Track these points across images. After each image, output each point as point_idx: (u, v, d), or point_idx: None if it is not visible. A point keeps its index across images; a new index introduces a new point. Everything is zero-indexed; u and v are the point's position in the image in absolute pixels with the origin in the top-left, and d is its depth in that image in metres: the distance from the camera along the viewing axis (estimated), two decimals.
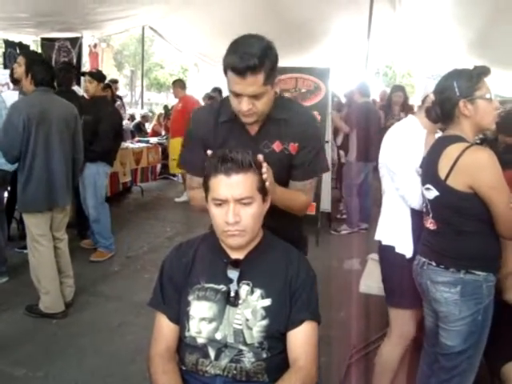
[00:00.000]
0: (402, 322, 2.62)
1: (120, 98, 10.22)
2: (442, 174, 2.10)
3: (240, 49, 1.75)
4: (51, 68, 3.99)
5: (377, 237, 2.66)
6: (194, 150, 2.03)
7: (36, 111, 3.64)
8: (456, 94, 2.10)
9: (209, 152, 1.77)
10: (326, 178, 6.21)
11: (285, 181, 2.01)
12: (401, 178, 2.49)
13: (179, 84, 8.05)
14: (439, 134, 2.50)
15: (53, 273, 3.84)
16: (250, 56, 1.72)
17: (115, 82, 10.23)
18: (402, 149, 2.51)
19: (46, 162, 3.70)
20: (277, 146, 1.99)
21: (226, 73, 1.81)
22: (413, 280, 2.41)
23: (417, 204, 2.43)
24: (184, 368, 1.77)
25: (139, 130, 11.11)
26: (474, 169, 2.03)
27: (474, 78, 2.11)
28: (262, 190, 1.69)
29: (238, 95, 1.82)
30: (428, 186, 2.20)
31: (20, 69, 4.62)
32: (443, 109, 2.16)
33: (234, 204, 1.63)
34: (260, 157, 1.73)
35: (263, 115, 1.92)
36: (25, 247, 4.94)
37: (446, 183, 2.09)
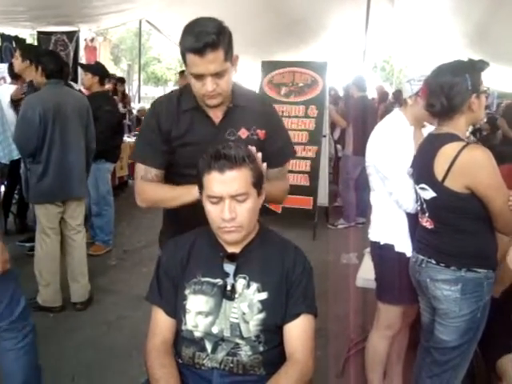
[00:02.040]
0: (391, 316, 2.64)
1: (125, 95, 10.17)
2: (439, 175, 2.07)
3: (195, 29, 1.76)
4: (60, 59, 4.01)
5: (373, 237, 2.62)
6: (155, 143, 1.98)
7: (51, 105, 3.68)
8: (468, 88, 2.07)
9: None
10: (324, 172, 6.22)
11: None
12: (393, 184, 2.45)
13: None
14: (427, 129, 2.48)
15: (55, 266, 3.86)
16: (207, 34, 1.73)
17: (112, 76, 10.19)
18: (392, 151, 2.45)
19: (62, 155, 3.74)
20: (243, 133, 1.99)
21: (184, 58, 1.81)
22: (406, 277, 2.41)
23: (412, 209, 2.41)
24: (181, 361, 1.77)
25: (138, 123, 11.08)
26: (471, 169, 2.01)
27: (479, 71, 2.10)
28: (257, 185, 1.69)
29: (199, 77, 1.81)
30: (423, 185, 2.18)
31: (17, 62, 4.66)
32: (452, 103, 2.09)
33: (230, 200, 1.63)
34: (253, 149, 1.74)
35: (227, 96, 1.93)
36: (25, 241, 4.99)
37: (444, 185, 2.07)
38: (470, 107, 2.10)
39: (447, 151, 2.05)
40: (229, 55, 1.82)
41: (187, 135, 1.96)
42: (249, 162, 1.66)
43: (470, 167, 2.01)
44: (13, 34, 8.34)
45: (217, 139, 1.88)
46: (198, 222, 1.83)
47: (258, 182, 1.70)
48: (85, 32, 9.09)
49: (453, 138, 2.09)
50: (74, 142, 3.81)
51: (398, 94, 7.05)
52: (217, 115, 1.98)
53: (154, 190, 2.00)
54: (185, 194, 1.87)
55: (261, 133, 2.02)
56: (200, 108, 1.95)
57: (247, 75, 9.38)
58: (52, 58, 3.85)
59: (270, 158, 1.90)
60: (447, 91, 2.07)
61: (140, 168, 2.00)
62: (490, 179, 2.01)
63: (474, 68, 2.10)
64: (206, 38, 1.73)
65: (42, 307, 3.82)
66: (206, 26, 1.76)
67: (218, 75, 1.81)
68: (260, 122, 2.01)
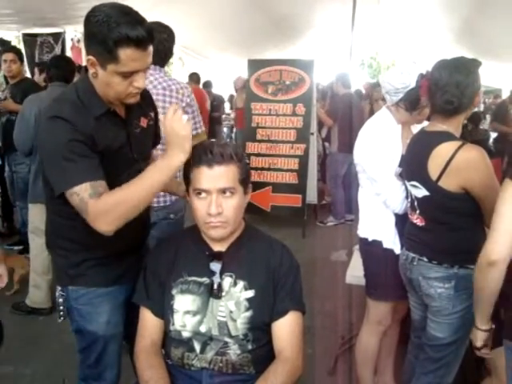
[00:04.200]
0: (380, 312, 2.64)
1: None
2: (433, 174, 2.05)
3: (124, 18, 1.51)
4: (68, 63, 4.00)
5: (361, 233, 2.62)
6: (90, 154, 1.61)
7: (45, 106, 3.65)
8: (478, 86, 2.07)
9: None
10: (312, 169, 6.23)
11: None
12: (381, 186, 2.45)
13: (193, 78, 8.17)
14: (417, 127, 2.47)
15: (44, 267, 3.84)
16: (140, 21, 1.54)
17: None
18: (379, 153, 2.44)
19: None
20: (143, 122, 1.88)
21: (112, 53, 1.52)
22: (395, 274, 2.41)
23: (400, 210, 2.41)
24: (170, 362, 1.77)
25: None
26: (467, 170, 1.99)
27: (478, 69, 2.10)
28: (243, 183, 1.70)
29: (131, 74, 1.59)
30: (415, 183, 2.16)
31: (16, 65, 4.73)
32: (464, 101, 2.05)
33: (217, 195, 1.63)
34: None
35: None
36: (14, 244, 4.98)
37: (438, 184, 2.05)
38: (474, 105, 2.11)
39: (443, 151, 2.03)
40: None
41: (109, 143, 1.70)
42: (236, 160, 1.66)
43: (466, 168, 1.99)
44: None
45: (129, 137, 1.79)
46: (120, 238, 1.62)
47: (244, 180, 1.70)
48: (71, 33, 9.02)
49: (449, 137, 2.06)
50: None
51: None
52: (121, 110, 1.78)
53: (122, 193, 1.58)
54: (158, 175, 1.60)
55: (153, 114, 1.95)
56: (110, 110, 1.72)
57: (233, 74, 9.37)
58: (59, 62, 3.91)
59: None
60: (462, 89, 2.03)
61: (83, 188, 1.54)
62: (485, 180, 2.00)
63: (478, 66, 2.10)
64: (143, 25, 1.53)
65: (31, 309, 3.81)
66: (128, 12, 1.54)
67: (146, 69, 1.64)
68: (149, 107, 1.95)
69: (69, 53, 8.89)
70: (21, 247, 4.94)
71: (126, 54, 1.52)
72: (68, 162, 1.57)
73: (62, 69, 3.85)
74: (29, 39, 8.81)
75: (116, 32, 1.49)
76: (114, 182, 1.61)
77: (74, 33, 9.01)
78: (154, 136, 2.00)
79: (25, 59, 8.53)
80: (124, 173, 1.70)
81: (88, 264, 1.84)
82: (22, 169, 4.80)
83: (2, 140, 4.97)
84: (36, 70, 5.03)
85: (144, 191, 1.59)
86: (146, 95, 1.92)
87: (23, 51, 8.59)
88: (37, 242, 3.78)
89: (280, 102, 6.10)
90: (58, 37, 8.81)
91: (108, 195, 1.56)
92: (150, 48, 1.58)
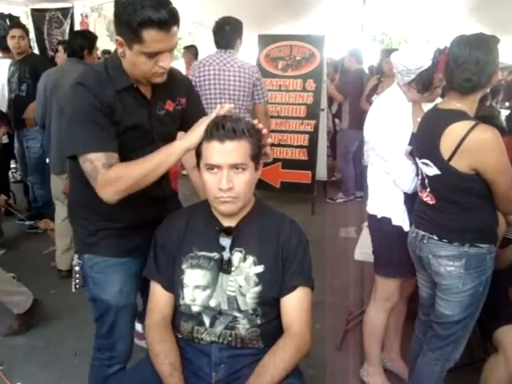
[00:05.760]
0: (388, 289, 2.65)
1: None
2: (445, 154, 2.01)
3: (156, 1, 1.58)
4: (84, 38, 4.04)
5: (370, 210, 2.61)
6: (107, 125, 1.72)
7: (52, 80, 3.90)
8: (497, 64, 2.03)
9: None
10: (322, 146, 6.20)
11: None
12: (391, 164, 2.43)
13: (191, 50, 7.49)
14: (426, 106, 2.44)
15: (64, 231, 4.00)
16: (164, 3, 1.60)
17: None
18: (390, 132, 2.41)
19: (57, 130, 3.87)
20: (169, 106, 1.92)
21: (136, 33, 1.59)
22: (404, 250, 2.41)
23: (409, 189, 2.40)
24: (180, 336, 1.79)
25: None
26: (479, 151, 1.96)
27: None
28: (255, 158, 1.69)
29: (156, 54, 1.65)
30: (426, 161, 2.13)
31: (24, 41, 4.77)
32: (483, 80, 2.01)
33: (228, 170, 1.63)
34: (260, 125, 1.73)
35: None
36: (23, 219, 5.03)
37: (450, 164, 2.02)
38: (493, 83, 2.08)
39: (455, 130, 1.99)
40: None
41: (128, 118, 1.78)
42: (248, 136, 1.65)
43: (478, 149, 1.96)
44: (6, 11, 8.22)
45: (151, 117, 1.85)
46: (134, 211, 1.87)
47: (256, 156, 1.70)
48: (79, 8, 8.95)
49: (463, 116, 2.02)
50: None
51: None
52: (147, 90, 1.85)
53: (122, 175, 1.67)
54: (170, 154, 1.68)
55: (182, 100, 1.97)
56: (134, 86, 1.79)
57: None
58: (72, 39, 4.10)
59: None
60: (482, 67, 1.98)
61: (98, 157, 1.66)
62: (497, 162, 1.98)
63: (497, 43, 2.05)
64: (166, 7, 1.58)
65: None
66: None
67: (171, 50, 1.70)
68: (181, 91, 1.97)
69: (78, 28, 8.85)
70: (31, 222, 4.98)
71: (149, 35, 1.59)
72: (87, 128, 1.68)
73: (74, 44, 3.95)
74: (37, 14, 8.76)
75: (140, 14, 1.55)
76: (127, 157, 1.71)
77: (82, 8, 8.94)
78: (180, 120, 2.01)
79: (33, 35, 8.55)
80: (140, 150, 1.76)
81: (104, 234, 1.95)
82: (34, 144, 4.85)
83: (13, 116, 4.98)
84: (60, 47, 4.98)
85: (148, 170, 1.67)
86: (181, 80, 2.01)
87: (32, 27, 8.58)
88: (59, 207, 4.05)
89: (290, 78, 6.04)
90: (66, 12, 8.75)
91: (116, 168, 1.67)
92: (174, 29, 1.63)
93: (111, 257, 1.95)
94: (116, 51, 1.76)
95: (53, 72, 3.99)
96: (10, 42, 4.85)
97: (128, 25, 1.59)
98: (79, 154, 1.70)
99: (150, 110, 1.85)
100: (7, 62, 5.23)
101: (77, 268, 2.03)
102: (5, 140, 5.16)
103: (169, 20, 1.58)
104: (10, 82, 5.00)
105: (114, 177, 1.66)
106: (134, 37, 1.60)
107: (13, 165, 6.51)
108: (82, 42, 3.94)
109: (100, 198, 1.70)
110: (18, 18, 7.41)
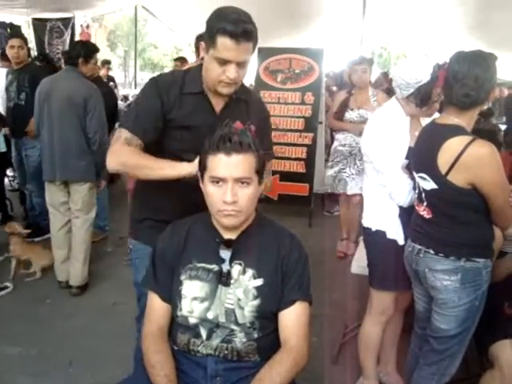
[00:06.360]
0: (383, 302, 2.65)
1: (112, 79, 10.11)
2: (443, 168, 2.03)
3: (232, 16, 1.77)
4: (83, 47, 4.10)
5: (365, 223, 2.62)
6: (154, 118, 1.95)
7: (45, 89, 3.90)
8: (495, 81, 2.06)
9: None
10: (320, 158, 6.22)
11: None
12: (388, 178, 2.44)
13: (181, 62, 7.39)
14: (424, 120, 2.46)
15: (57, 243, 4.04)
16: (244, 22, 1.77)
17: (108, 62, 10.12)
18: (387, 146, 2.42)
19: (49, 138, 3.89)
20: (238, 125, 1.93)
21: (213, 38, 1.79)
22: (399, 264, 2.41)
23: (405, 203, 2.41)
24: (176, 348, 1.78)
25: None
26: (476, 166, 1.98)
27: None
28: (259, 172, 1.70)
29: (224, 63, 1.82)
30: (424, 175, 2.14)
31: (23, 51, 4.80)
32: (481, 96, 2.04)
33: (233, 184, 1.64)
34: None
35: (238, 87, 1.96)
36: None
37: (447, 179, 2.03)
38: (491, 98, 2.12)
39: (453, 145, 2.01)
40: (254, 49, 1.87)
41: (188, 118, 1.96)
42: (254, 149, 1.66)
43: (475, 164, 1.97)
44: (7, 20, 8.25)
45: (214, 128, 1.86)
46: (175, 210, 1.97)
47: (260, 170, 1.71)
48: (80, 18, 9.01)
49: (460, 131, 2.04)
50: (58, 128, 3.86)
51: None
52: (218, 104, 2.00)
53: (131, 154, 1.88)
54: (168, 167, 1.83)
55: (253, 130, 2.01)
56: (204, 93, 1.97)
57: None
58: (71, 48, 4.25)
59: None
60: (481, 83, 2.01)
61: (126, 133, 1.91)
62: (494, 177, 1.99)
63: (495, 60, 2.08)
64: (245, 25, 1.76)
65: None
66: (240, 14, 1.79)
67: (241, 65, 1.85)
68: (254, 119, 2.00)
69: (78, 38, 8.90)
70: (29, 231, 4.97)
71: (221, 41, 1.77)
72: (136, 113, 1.97)
73: (69, 53, 4.06)
74: (38, 24, 8.81)
75: (220, 23, 1.76)
76: (176, 155, 1.91)
77: (83, 18, 9.01)
78: None
79: (34, 44, 8.58)
80: (190, 151, 1.85)
81: (147, 223, 2.17)
82: (32, 152, 4.84)
83: (11, 125, 4.99)
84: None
85: (143, 166, 1.86)
86: (256, 110, 2.13)
87: (33, 36, 8.62)
88: (51, 218, 4.09)
89: (289, 91, 6.08)
90: (67, 22, 8.81)
91: (129, 147, 1.88)
92: (245, 45, 1.79)
93: (149, 245, 2.04)
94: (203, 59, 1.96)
95: (47, 81, 4.00)
96: (9, 52, 4.83)
97: (209, 31, 1.81)
98: (120, 126, 1.99)
99: (217, 122, 1.88)
100: (4, 71, 5.24)
101: (130, 247, 2.36)
102: (3, 149, 5.17)
103: (240, 33, 1.75)
104: (8, 90, 5.01)
105: (118, 151, 1.89)
106: (211, 42, 1.81)
107: (10, 173, 6.51)
108: (80, 50, 3.99)
109: (151, 191, 2.03)
110: (19, 27, 7.44)
